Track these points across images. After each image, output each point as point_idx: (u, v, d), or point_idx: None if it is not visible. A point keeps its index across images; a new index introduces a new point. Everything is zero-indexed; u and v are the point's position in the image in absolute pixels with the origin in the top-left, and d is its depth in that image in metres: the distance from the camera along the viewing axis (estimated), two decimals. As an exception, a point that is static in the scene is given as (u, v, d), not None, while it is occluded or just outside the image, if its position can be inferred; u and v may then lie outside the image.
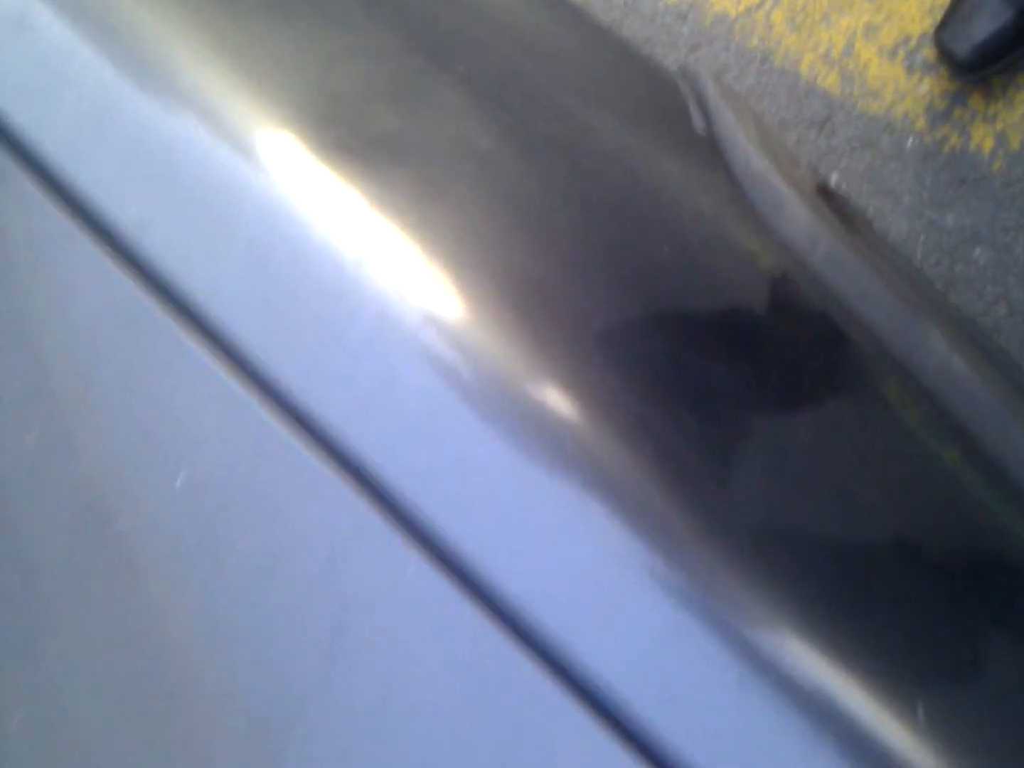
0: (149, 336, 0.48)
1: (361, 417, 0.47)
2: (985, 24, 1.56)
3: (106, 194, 0.49)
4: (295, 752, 0.44)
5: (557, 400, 0.48)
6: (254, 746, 0.45)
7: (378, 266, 0.48)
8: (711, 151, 0.78)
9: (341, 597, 0.46)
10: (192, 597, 0.47)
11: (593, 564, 0.46)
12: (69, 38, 0.50)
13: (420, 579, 0.45)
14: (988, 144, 1.62)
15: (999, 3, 1.55)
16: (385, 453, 0.47)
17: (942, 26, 1.59)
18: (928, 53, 1.65)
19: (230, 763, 0.46)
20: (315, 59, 0.51)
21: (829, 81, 1.68)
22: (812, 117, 1.67)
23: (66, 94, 0.50)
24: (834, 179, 1.66)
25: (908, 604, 0.55)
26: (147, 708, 0.47)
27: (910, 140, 1.64)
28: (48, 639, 0.49)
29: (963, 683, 0.52)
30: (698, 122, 0.79)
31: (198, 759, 0.46)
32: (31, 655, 0.49)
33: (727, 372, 0.63)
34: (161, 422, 0.48)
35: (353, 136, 0.51)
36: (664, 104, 0.79)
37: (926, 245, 1.62)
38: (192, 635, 0.48)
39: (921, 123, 1.64)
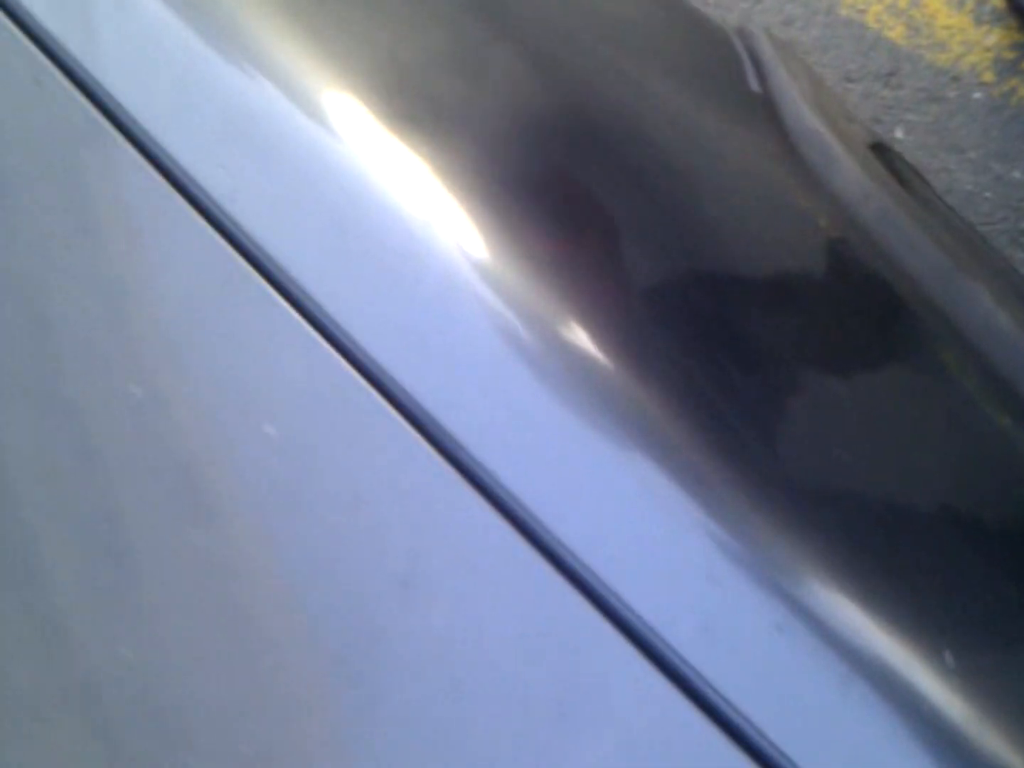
0: (240, 298, 0.52)
1: (429, 373, 0.50)
2: (1055, -25, 1.54)
3: (199, 163, 0.52)
4: (372, 683, 0.48)
5: (609, 358, 0.51)
6: (335, 681, 0.49)
7: (443, 229, 0.51)
8: (766, 108, 0.80)
9: (412, 542, 0.49)
10: (279, 539, 0.51)
11: (660, 531, 0.48)
12: (163, 15, 0.54)
13: (488, 533, 0.48)
14: (1057, 96, 1.60)
15: (1071, -47, 1.53)
16: (451, 408, 0.49)
17: (1012, -24, 1.57)
18: (997, 2, 1.63)
19: (313, 699, 0.50)
20: (385, 32, 0.54)
21: (896, 32, 1.67)
22: (878, 69, 1.66)
23: (161, 68, 0.53)
24: (899, 132, 1.65)
25: (938, 553, 0.57)
26: (240, 643, 0.51)
27: (977, 93, 1.63)
28: (147, 579, 0.53)
29: (1003, 640, 0.54)
30: (753, 80, 0.80)
31: (284, 694, 0.50)
32: (134, 598, 0.53)
33: (778, 325, 0.65)
34: (253, 378, 0.52)
35: (419, 106, 0.53)
36: (720, 63, 0.81)
37: (992, 200, 1.61)
38: (279, 577, 0.51)
39: (988, 75, 1.63)
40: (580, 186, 0.59)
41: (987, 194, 1.61)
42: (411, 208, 0.51)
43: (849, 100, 1.67)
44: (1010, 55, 1.61)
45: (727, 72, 0.80)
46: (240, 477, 0.51)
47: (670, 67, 0.75)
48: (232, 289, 0.52)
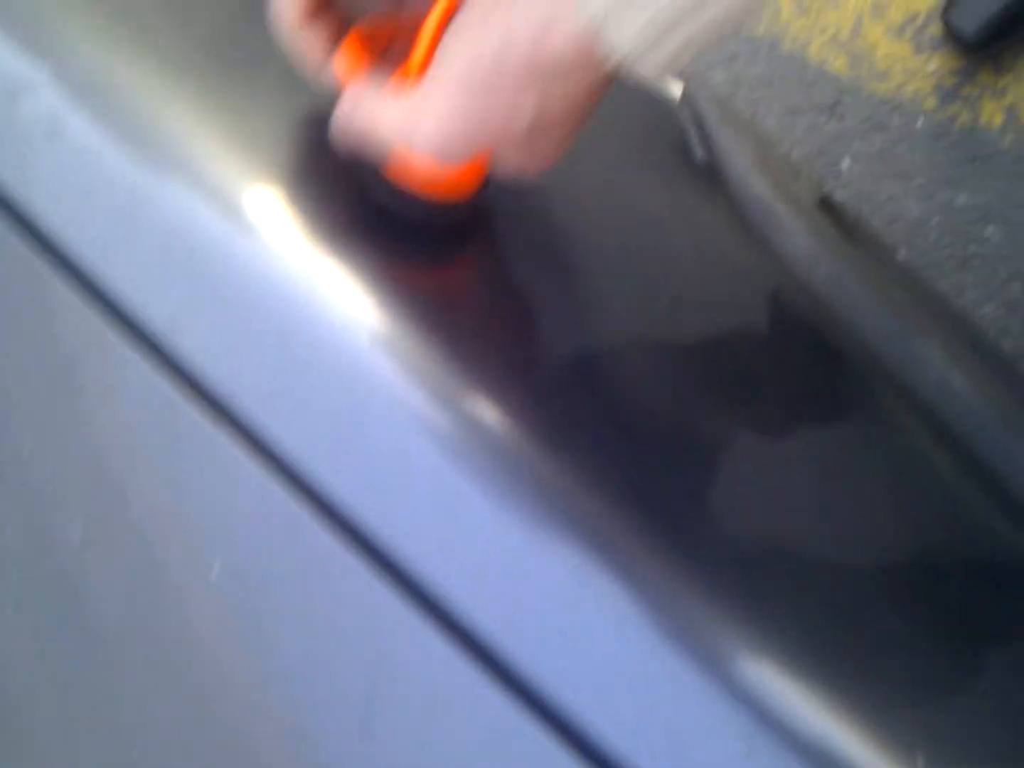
0: (184, 429, 0.50)
1: (384, 504, 0.48)
2: (991, 1, 1.55)
3: (137, 292, 0.51)
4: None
5: (562, 475, 0.50)
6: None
7: (390, 350, 0.50)
8: (711, 177, 0.79)
9: (370, 682, 0.47)
10: (230, 680, 0.50)
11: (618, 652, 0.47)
12: (95, 142, 0.52)
13: (445, 663, 0.47)
14: (998, 119, 1.61)
15: (1005, -21, 1.54)
16: (400, 530, 0.48)
17: (948, 3, 1.59)
18: (935, 30, 1.64)
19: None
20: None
21: (838, 64, 1.68)
22: (822, 102, 1.67)
23: (95, 197, 0.52)
24: (845, 163, 1.66)
25: (903, 632, 0.56)
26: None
27: (920, 120, 1.64)
28: (96, 732, 0.51)
29: (966, 718, 0.53)
30: (698, 149, 0.80)
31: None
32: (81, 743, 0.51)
33: (724, 393, 0.65)
34: (200, 513, 0.50)
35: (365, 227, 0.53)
36: (662, 136, 0.80)
37: (939, 226, 1.62)
38: (232, 720, 0.50)
39: (931, 102, 1.64)
40: (508, 268, 0.58)
41: (935, 220, 1.63)
42: (365, 333, 0.50)
43: (794, 133, 1.68)
44: (951, 81, 1.63)
45: (671, 142, 0.80)
46: (188, 618, 0.50)
47: (607, 146, 0.75)
48: (175, 421, 0.51)
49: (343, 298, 0.50)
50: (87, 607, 0.51)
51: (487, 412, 0.49)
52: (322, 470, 0.49)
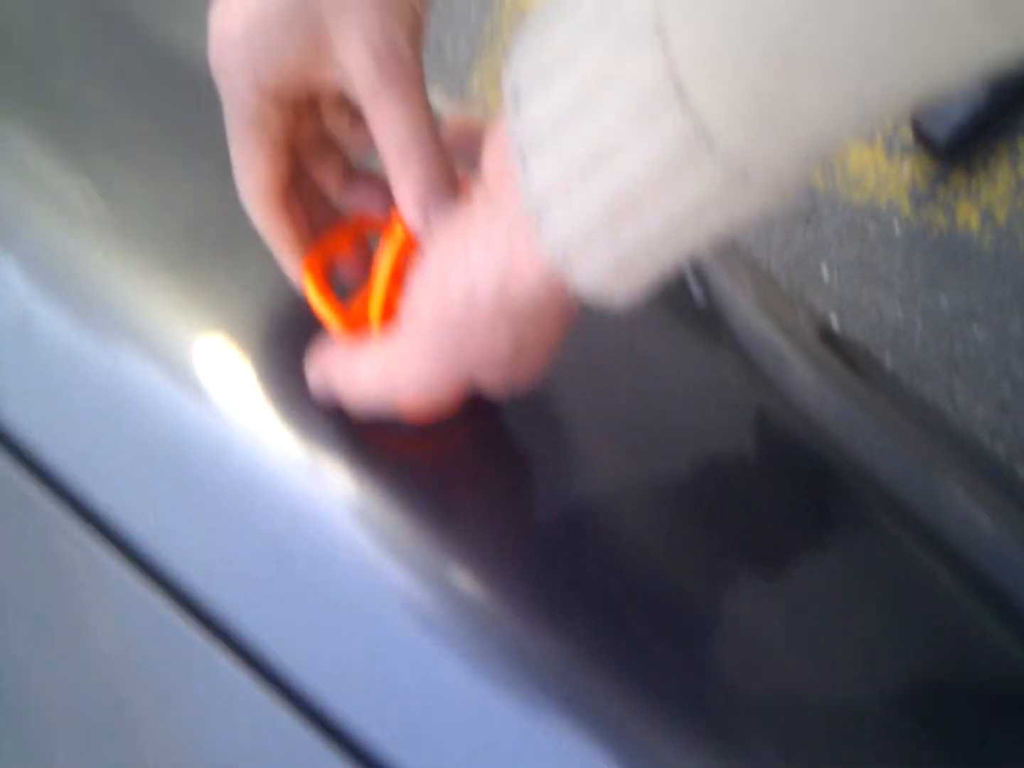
0: (177, 650, 0.46)
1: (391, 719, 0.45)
2: (960, 106, 1.56)
3: (120, 505, 0.47)
4: None
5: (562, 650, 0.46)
6: None
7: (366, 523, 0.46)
8: (712, 320, 0.77)
9: None
10: None
11: None
12: (74, 343, 0.49)
13: None
14: (974, 221, 1.61)
15: (973, 84, 1.55)
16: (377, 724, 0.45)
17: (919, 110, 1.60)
18: (907, 134, 1.65)
19: None
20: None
21: (811, 174, 1.68)
22: (797, 212, 1.66)
23: (72, 401, 0.48)
24: (824, 272, 1.65)
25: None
26: None
27: (897, 225, 1.64)
28: None
29: None
30: (697, 294, 0.78)
31: None
32: None
33: (737, 544, 0.62)
34: (198, 739, 0.46)
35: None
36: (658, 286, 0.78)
37: (923, 329, 1.61)
38: None
39: (906, 207, 1.64)
40: (493, 421, 0.55)
41: (919, 323, 1.61)
42: (366, 533, 0.46)
43: (771, 244, 1.67)
44: (925, 185, 1.63)
45: (669, 294, 0.77)
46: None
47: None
48: (167, 641, 0.46)
49: (332, 503, 0.46)
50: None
51: (465, 581, 0.46)
52: (332, 692, 0.45)
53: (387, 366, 0.44)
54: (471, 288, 0.40)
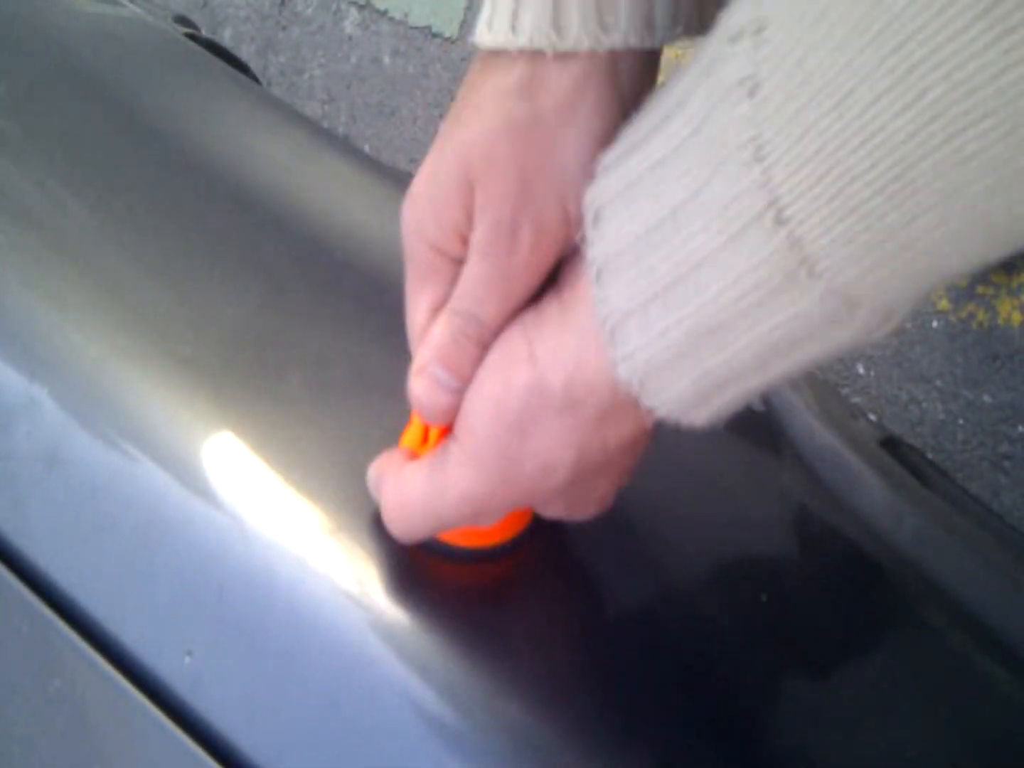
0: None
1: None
2: (997, 202, 1.54)
3: (154, 648, 0.43)
4: None
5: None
6: None
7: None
8: (772, 426, 0.73)
9: None
10: None
11: None
12: (107, 476, 0.45)
13: None
14: (1016, 318, 1.58)
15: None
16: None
17: (954, 207, 1.57)
18: (941, 232, 1.62)
19: None
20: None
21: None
22: (832, 308, 1.63)
23: (103, 537, 0.44)
24: (860, 368, 1.61)
25: None
26: None
27: (935, 321, 1.60)
28: None
29: None
30: (755, 401, 0.74)
31: None
32: None
33: (813, 675, 0.57)
34: None
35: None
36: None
37: (965, 428, 1.56)
38: None
39: (944, 303, 1.61)
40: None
41: (960, 421, 1.57)
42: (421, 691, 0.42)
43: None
44: (963, 282, 1.60)
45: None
46: None
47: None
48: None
49: (386, 652, 0.42)
50: None
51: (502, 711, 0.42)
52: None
53: (434, 475, 0.41)
54: (534, 384, 0.37)
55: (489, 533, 0.45)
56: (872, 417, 1.57)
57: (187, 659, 0.42)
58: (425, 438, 0.43)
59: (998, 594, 0.69)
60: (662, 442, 0.63)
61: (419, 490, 0.41)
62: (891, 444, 0.82)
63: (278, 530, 0.44)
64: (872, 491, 0.71)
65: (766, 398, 0.74)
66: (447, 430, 0.42)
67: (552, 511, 0.43)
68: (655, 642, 0.51)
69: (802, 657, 0.58)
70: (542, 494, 0.40)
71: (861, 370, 1.61)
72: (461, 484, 0.40)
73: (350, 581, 0.43)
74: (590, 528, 0.48)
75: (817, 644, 0.60)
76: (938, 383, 1.59)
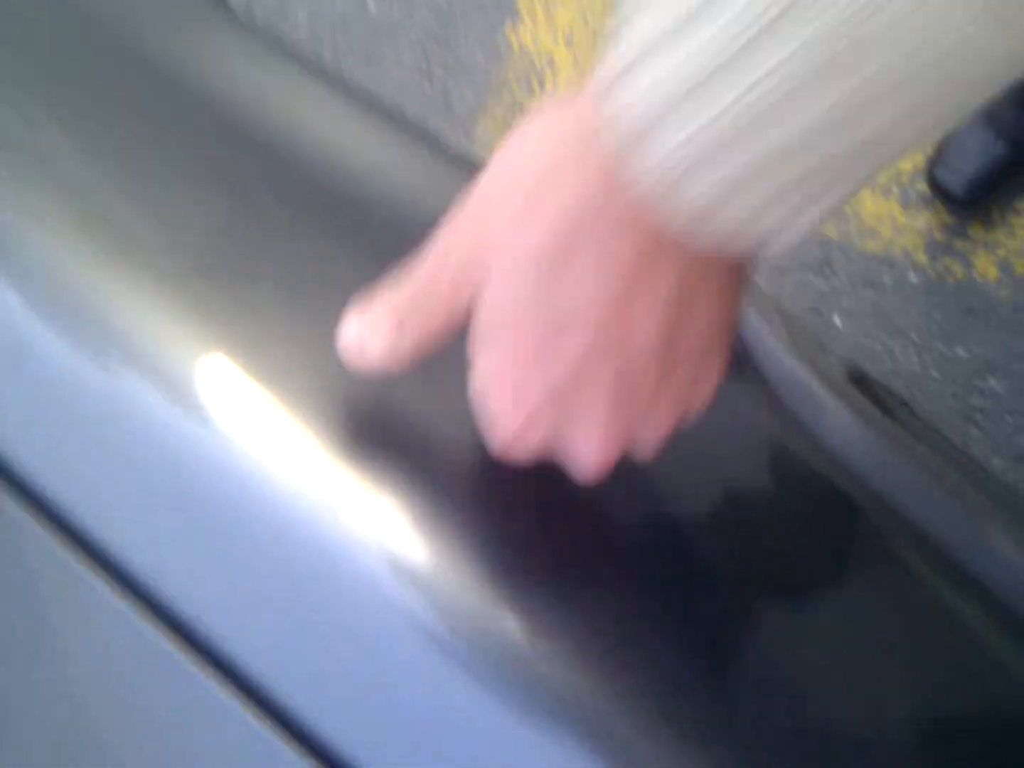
0: (159, 674, 0.43)
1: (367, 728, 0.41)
2: (977, 157, 1.55)
3: (119, 533, 0.44)
4: None
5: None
6: None
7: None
8: (740, 356, 0.74)
9: None
10: None
11: None
12: (71, 367, 0.46)
13: None
14: (992, 272, 1.59)
15: (989, 136, 1.54)
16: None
17: (934, 162, 1.58)
18: (922, 187, 1.63)
19: None
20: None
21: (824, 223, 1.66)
22: (810, 260, 1.64)
23: (69, 427, 0.45)
24: (837, 320, 1.63)
25: None
26: None
27: (912, 275, 1.62)
28: None
29: None
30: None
31: None
32: None
33: (771, 595, 0.59)
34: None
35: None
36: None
37: (939, 380, 1.58)
38: None
39: (922, 257, 1.62)
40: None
41: (934, 374, 1.59)
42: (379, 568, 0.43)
43: (783, 291, 1.65)
44: (941, 236, 1.61)
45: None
46: None
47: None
48: (162, 670, 0.43)
49: (344, 540, 0.43)
50: None
51: (490, 612, 0.43)
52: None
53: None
54: (570, 200, 0.32)
55: None
56: (885, 384, 1.59)
57: (143, 536, 0.43)
58: None
59: (955, 521, 0.71)
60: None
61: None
62: (859, 379, 0.83)
63: (247, 428, 0.45)
64: (837, 419, 0.72)
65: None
66: None
67: (659, 415, 0.39)
68: (613, 545, 0.52)
69: (766, 577, 0.59)
70: (592, 371, 0.35)
71: (837, 321, 1.62)
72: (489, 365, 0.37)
73: (317, 475, 0.44)
74: None
75: (779, 564, 0.62)
76: (913, 336, 1.60)
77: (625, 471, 0.57)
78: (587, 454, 0.38)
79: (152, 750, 0.44)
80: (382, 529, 0.43)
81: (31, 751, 0.46)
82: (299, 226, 0.54)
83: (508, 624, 0.43)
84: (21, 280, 0.48)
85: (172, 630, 0.43)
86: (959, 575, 0.70)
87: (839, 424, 0.71)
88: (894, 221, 1.64)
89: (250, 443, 0.44)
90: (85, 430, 0.45)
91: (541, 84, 1.82)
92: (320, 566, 0.43)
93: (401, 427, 0.47)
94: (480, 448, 0.46)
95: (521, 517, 0.49)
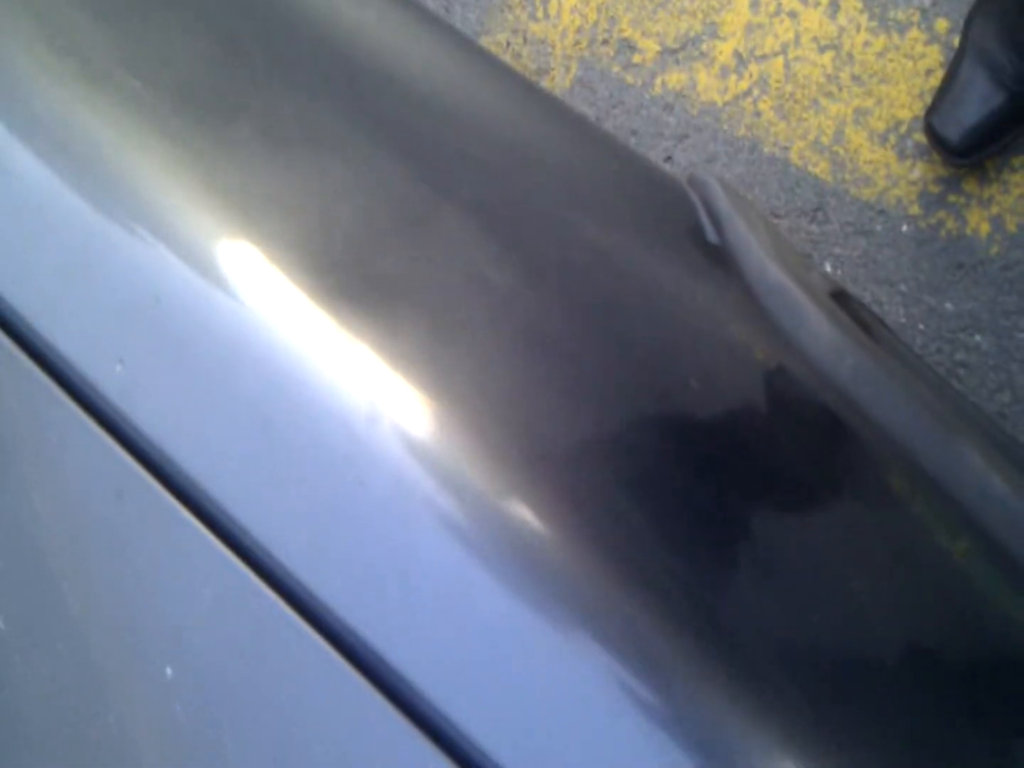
0: (139, 511, 0.43)
1: (370, 599, 0.41)
2: (975, 109, 1.54)
3: (89, 357, 0.43)
4: None
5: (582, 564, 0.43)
6: None
7: (390, 424, 0.42)
8: (726, 260, 0.73)
9: None
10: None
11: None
12: (45, 184, 0.45)
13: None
14: (984, 228, 1.59)
15: (989, 87, 1.52)
16: (398, 639, 0.41)
17: (932, 112, 1.57)
18: (919, 137, 1.62)
19: None
20: (312, 197, 0.46)
21: (820, 168, 1.65)
22: (803, 205, 1.64)
23: (44, 243, 0.44)
24: (827, 267, 1.62)
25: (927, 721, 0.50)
26: None
27: (904, 226, 1.61)
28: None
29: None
30: (710, 231, 0.74)
31: None
32: None
33: (751, 498, 0.58)
34: (152, 602, 0.42)
35: (355, 281, 0.45)
36: (676, 214, 0.75)
37: (925, 333, 1.58)
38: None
39: (915, 208, 1.61)
40: (539, 359, 0.51)
41: (920, 326, 1.58)
42: (351, 400, 0.42)
43: (777, 236, 1.64)
44: (936, 188, 1.61)
45: (684, 223, 0.74)
46: (139, 724, 0.41)
47: (625, 221, 0.69)
48: (128, 502, 0.43)
49: (319, 366, 0.42)
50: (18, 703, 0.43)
51: (493, 497, 0.42)
52: (301, 562, 0.41)
53: None
54: None
55: None
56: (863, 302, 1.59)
57: (118, 367, 0.43)
58: None
59: (929, 434, 0.71)
60: (626, 269, 0.64)
61: None
62: (841, 296, 0.83)
63: (215, 253, 0.44)
64: (816, 328, 0.72)
65: (722, 231, 0.75)
66: None
67: None
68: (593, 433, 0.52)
69: (745, 477, 0.59)
70: None
71: (828, 269, 1.62)
72: None
73: (285, 301, 0.43)
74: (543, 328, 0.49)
75: (756, 464, 0.61)
76: (902, 287, 1.60)
77: (625, 376, 0.57)
78: None
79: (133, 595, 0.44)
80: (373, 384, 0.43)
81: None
82: (283, 79, 0.53)
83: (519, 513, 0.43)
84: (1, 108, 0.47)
85: (146, 465, 0.43)
86: (929, 484, 0.70)
87: (816, 331, 0.71)
88: (889, 170, 1.63)
89: (207, 259, 0.44)
90: (57, 249, 0.44)
91: (544, 8, 1.81)
92: (303, 411, 0.42)
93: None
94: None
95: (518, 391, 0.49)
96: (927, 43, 1.65)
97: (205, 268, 0.44)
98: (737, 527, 0.55)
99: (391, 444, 0.42)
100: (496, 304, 0.51)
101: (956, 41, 1.60)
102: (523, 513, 0.43)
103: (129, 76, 0.48)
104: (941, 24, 1.65)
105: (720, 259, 0.73)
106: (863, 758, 0.44)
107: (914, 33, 1.66)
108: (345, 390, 0.42)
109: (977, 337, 1.57)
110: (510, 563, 0.41)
